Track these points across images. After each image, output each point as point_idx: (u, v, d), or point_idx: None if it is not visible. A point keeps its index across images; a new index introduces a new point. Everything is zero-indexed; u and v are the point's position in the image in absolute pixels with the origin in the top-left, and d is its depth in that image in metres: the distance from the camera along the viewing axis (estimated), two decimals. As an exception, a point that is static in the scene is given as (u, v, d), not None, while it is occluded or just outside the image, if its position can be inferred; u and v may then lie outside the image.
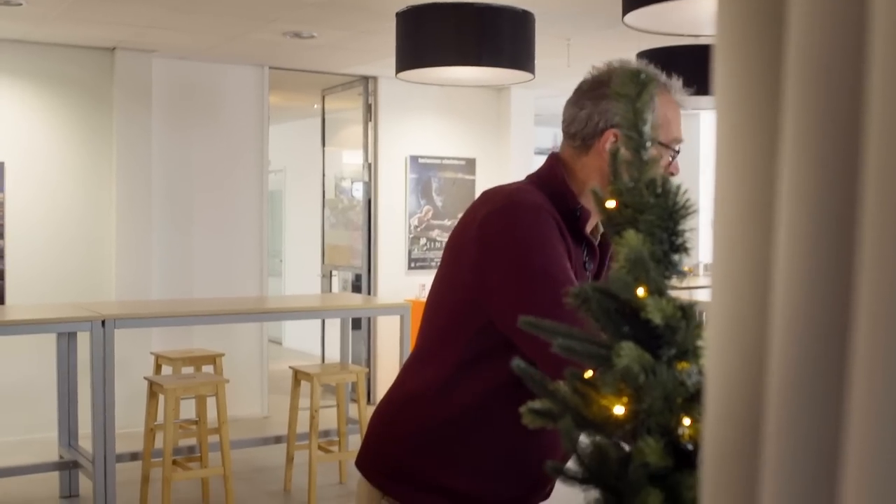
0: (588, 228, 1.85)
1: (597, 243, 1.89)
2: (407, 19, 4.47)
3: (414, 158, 8.41)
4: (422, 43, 4.43)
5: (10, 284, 6.68)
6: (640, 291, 0.99)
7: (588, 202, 1.82)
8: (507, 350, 1.73)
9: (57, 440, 5.55)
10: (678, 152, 1.87)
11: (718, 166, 0.62)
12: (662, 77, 1.85)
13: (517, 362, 1.12)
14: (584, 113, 1.83)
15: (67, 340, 5.47)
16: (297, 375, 5.60)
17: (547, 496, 1.93)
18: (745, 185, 0.61)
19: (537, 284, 1.72)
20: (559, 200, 1.80)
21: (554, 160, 1.87)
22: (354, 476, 5.66)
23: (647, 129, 1.21)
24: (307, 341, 10.29)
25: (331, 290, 9.12)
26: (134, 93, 6.98)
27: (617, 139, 1.78)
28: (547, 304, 1.64)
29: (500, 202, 1.78)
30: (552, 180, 1.85)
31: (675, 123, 1.86)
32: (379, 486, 1.86)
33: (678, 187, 1.14)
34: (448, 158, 8.54)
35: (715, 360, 0.62)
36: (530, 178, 1.89)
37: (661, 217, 1.06)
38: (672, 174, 1.82)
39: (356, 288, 8.74)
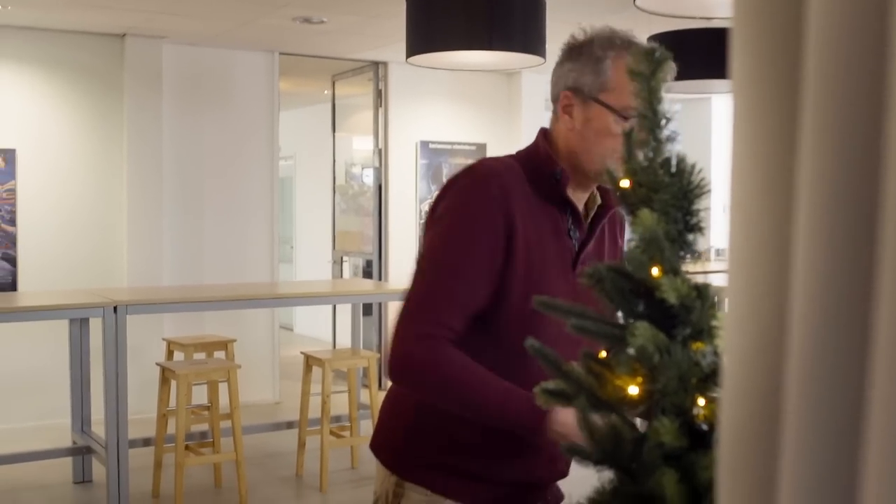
0: (577, 195, 1.84)
1: (592, 213, 1.88)
2: (417, 3, 4.45)
3: (424, 144, 8.40)
4: (432, 27, 4.41)
5: (23, 271, 6.70)
6: (655, 271, 0.98)
7: (570, 168, 1.81)
8: (479, 323, 1.75)
9: (70, 426, 5.57)
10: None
11: (735, 149, 0.61)
12: (635, 42, 1.79)
13: (530, 342, 1.11)
14: (553, 78, 1.84)
15: (80, 326, 5.48)
16: (309, 361, 5.61)
17: (563, 475, 1.92)
18: (762, 167, 0.60)
19: (432, 249, 1.77)
20: (538, 168, 1.81)
21: (540, 132, 1.89)
22: (366, 461, 5.68)
23: (661, 107, 1.20)
24: (318, 327, 10.31)
25: (342, 277, 9.13)
26: (144, 79, 6.98)
27: (569, 101, 1.78)
28: (427, 268, 1.75)
29: (459, 173, 1.82)
30: (533, 150, 1.86)
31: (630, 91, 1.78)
32: (390, 467, 1.87)
33: (693, 166, 1.13)
34: (459, 144, 8.52)
35: (733, 342, 0.61)
36: (518, 151, 1.90)
37: (676, 196, 1.05)
38: None
39: (367, 274, 8.75)
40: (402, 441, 1.88)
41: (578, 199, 1.85)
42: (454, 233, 1.75)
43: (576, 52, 1.79)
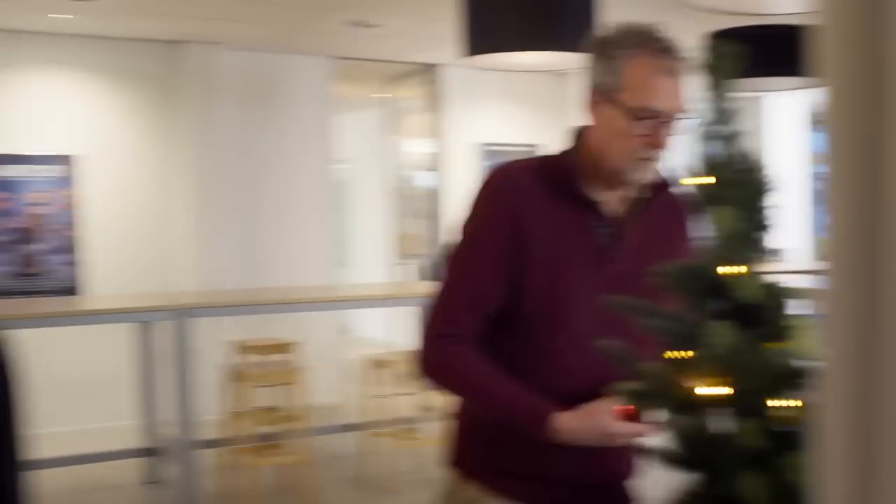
0: (606, 192, 1.82)
1: (631, 208, 1.85)
2: (472, 4, 4.45)
3: (480, 145, 8.39)
4: (487, 29, 4.41)
5: (90, 275, 6.84)
6: (731, 269, 0.97)
7: (593, 166, 1.81)
8: (505, 322, 1.81)
9: (136, 427, 5.67)
10: (663, 122, 1.74)
11: (830, 149, 0.60)
12: (658, 38, 1.75)
13: (603, 342, 1.11)
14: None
15: (146, 330, 5.58)
16: (373, 363, 5.64)
17: (625, 476, 1.90)
18: (855, 166, 0.59)
19: (451, 256, 1.88)
20: (556, 167, 1.85)
21: (573, 130, 1.90)
22: (431, 463, 5.69)
23: (731, 102, 1.18)
24: (377, 330, 10.36)
25: (400, 280, 9.16)
26: (203, 85, 7.08)
27: (593, 99, 1.79)
28: (446, 274, 1.87)
29: (481, 180, 1.90)
30: (560, 151, 1.89)
31: (649, 90, 1.73)
32: (450, 464, 1.94)
33: (763, 163, 1.12)
34: (514, 145, 8.50)
35: (830, 342, 0.60)
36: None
37: (750, 193, 1.04)
38: (654, 146, 1.73)
39: (427, 277, 8.76)
40: (458, 439, 1.94)
41: (609, 195, 1.83)
42: (466, 239, 1.85)
43: (597, 49, 1.80)
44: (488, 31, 4.41)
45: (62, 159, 6.81)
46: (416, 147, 9.24)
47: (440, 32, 6.72)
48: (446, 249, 1.91)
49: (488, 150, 8.42)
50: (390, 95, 9.12)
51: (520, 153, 8.42)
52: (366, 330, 11.13)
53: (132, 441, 5.72)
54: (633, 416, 1.64)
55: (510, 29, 4.36)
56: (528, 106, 8.57)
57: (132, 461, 5.56)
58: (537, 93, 8.55)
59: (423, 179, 8.84)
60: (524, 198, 1.79)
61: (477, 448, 1.89)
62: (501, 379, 1.75)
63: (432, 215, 8.40)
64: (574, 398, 1.70)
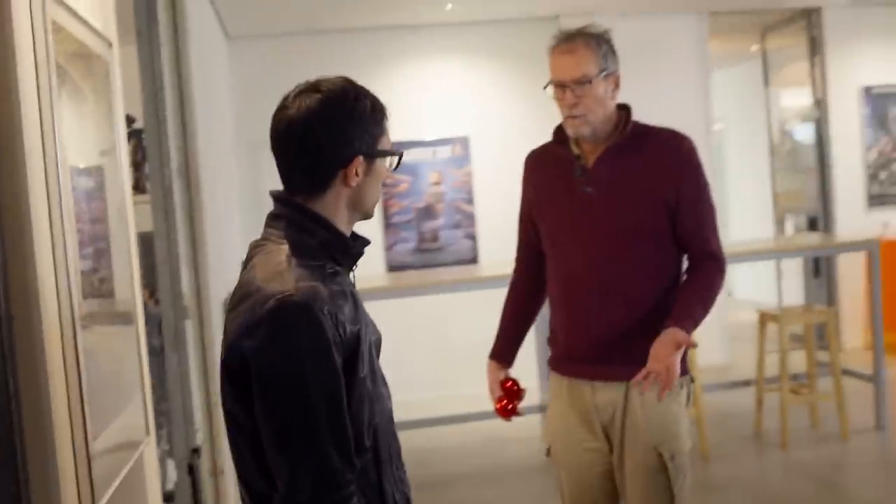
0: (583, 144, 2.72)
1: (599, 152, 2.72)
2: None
3: (867, 89, 7.90)
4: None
5: (482, 246, 7.36)
6: None
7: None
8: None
9: (537, 387, 6.00)
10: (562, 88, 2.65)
11: None
12: (562, 30, 2.73)
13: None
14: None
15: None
16: (763, 318, 5.57)
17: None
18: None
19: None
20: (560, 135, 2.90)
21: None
22: (827, 419, 5.55)
23: None
24: (758, 291, 10.10)
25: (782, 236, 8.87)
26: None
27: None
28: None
29: None
30: None
31: (551, 66, 2.70)
32: None
33: None
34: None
35: None
36: None
37: None
38: (563, 107, 2.66)
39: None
40: None
41: (585, 148, 2.69)
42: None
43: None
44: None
45: (457, 141, 7.37)
46: (793, 99, 8.86)
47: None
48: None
49: (878, 94, 7.91)
50: (765, 47, 8.82)
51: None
52: (746, 292, 10.90)
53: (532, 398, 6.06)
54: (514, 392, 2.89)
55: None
56: (920, 42, 7.92)
57: (534, 416, 5.90)
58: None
59: (803, 131, 8.47)
60: (531, 163, 2.89)
61: None
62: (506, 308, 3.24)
63: (817, 166, 8.04)
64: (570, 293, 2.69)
